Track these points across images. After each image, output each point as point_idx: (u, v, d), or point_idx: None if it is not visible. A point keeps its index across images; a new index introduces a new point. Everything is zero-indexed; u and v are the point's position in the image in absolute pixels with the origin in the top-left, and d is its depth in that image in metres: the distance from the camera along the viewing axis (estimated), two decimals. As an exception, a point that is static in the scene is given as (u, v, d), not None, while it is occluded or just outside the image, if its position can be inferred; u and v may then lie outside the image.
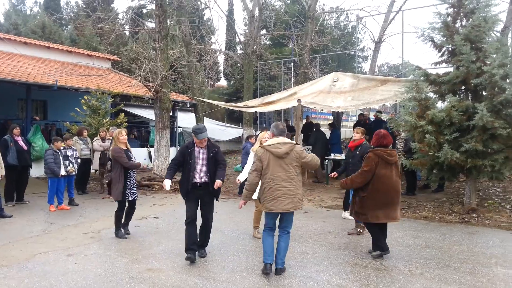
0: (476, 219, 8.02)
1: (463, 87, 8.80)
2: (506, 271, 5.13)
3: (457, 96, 8.81)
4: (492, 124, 7.69)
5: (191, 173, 5.37)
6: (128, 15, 17.54)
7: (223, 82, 41.27)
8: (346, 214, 7.71)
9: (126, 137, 6.83)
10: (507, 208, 8.50)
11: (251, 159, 6.37)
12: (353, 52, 22.07)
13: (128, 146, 6.87)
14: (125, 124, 12.89)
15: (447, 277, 4.89)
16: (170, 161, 5.62)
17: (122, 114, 13.20)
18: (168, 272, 4.99)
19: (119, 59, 19.95)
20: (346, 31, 33.25)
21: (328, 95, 12.25)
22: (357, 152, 7.07)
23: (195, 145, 5.43)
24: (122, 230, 6.70)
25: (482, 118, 7.66)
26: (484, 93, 8.46)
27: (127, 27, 18.90)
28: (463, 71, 8.38)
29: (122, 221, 6.73)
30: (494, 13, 8.90)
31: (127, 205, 6.70)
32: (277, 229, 5.02)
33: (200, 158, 5.44)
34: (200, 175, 5.43)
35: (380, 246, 5.58)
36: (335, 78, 12.96)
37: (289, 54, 25.72)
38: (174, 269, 5.14)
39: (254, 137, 10.42)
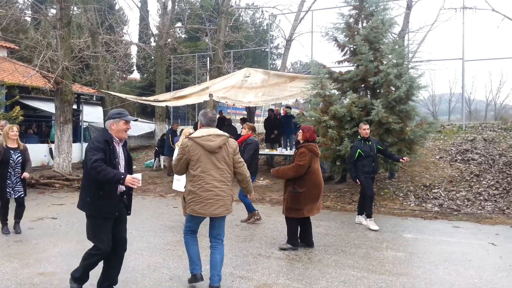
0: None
1: (362, 85, 9.40)
2: (394, 254, 5.58)
3: (357, 93, 9.40)
4: (387, 119, 8.32)
5: None
6: (29, 0, 16.09)
7: (136, 75, 39.79)
8: (361, 219, 7.28)
9: (17, 133, 6.45)
10: (400, 196, 9.27)
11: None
12: (267, 49, 22.50)
13: (20, 143, 6.56)
14: (21, 118, 11.81)
15: (342, 262, 5.18)
16: (91, 162, 3.61)
17: (18, 107, 12.08)
18: (61, 276, 4.64)
19: (17, 47, 18.23)
20: (261, 28, 33.89)
21: (240, 90, 12.37)
22: (243, 147, 7.10)
23: (114, 139, 3.88)
24: (8, 227, 6.48)
25: (378, 113, 8.25)
26: (380, 90, 9.10)
27: (28, 12, 17.34)
28: (362, 70, 8.95)
29: (14, 220, 6.52)
30: (391, 17, 9.64)
31: (14, 203, 6.53)
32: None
33: (121, 157, 3.95)
34: None
35: (294, 242, 5.72)
36: (246, 74, 13.12)
37: (204, 48, 25.53)
38: (69, 271, 4.78)
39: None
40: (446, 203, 8.75)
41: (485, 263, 5.22)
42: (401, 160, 7.33)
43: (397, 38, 11.78)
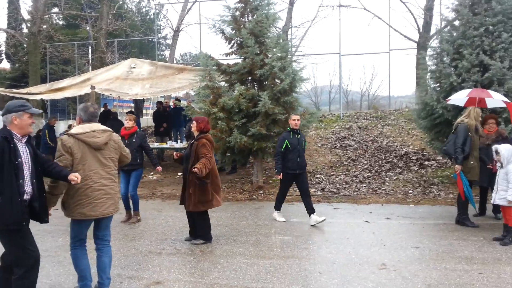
0: (262, 195, 8.98)
1: (249, 77, 9.62)
2: (282, 238, 5.88)
3: (245, 85, 9.61)
4: (273, 110, 8.66)
5: (20, 182, 3.32)
6: None
7: (5, 65, 35.53)
8: (276, 215, 6.95)
9: None
10: (287, 183, 9.78)
11: None
12: (155, 39, 21.79)
13: None
14: None
15: (233, 251, 5.30)
16: None
17: None
18: None
19: None
20: (148, 17, 32.64)
21: (125, 82, 11.82)
22: (133, 140, 6.74)
23: (15, 136, 3.35)
24: None
25: (265, 105, 8.55)
26: (266, 82, 9.43)
27: None
28: (249, 63, 9.16)
29: None
30: (275, 11, 10.00)
31: None
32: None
33: (26, 156, 3.41)
34: (30, 186, 3.42)
35: (208, 236, 5.70)
36: (132, 65, 12.57)
37: (85, 36, 23.76)
38: None
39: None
40: (327, 187, 9.46)
41: (360, 239, 5.78)
42: None
43: (281, 33, 12.29)
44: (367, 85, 36.39)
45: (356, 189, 9.26)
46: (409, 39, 15.54)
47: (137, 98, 14.47)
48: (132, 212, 6.96)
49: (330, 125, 13.87)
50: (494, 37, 8.18)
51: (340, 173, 10.21)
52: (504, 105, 6.91)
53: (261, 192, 9.16)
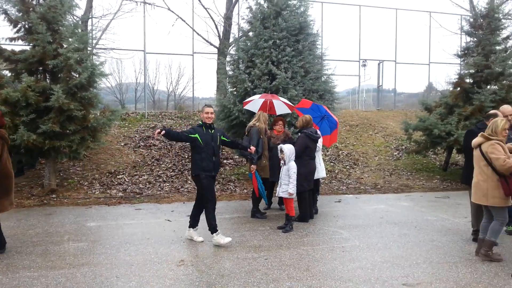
0: (55, 199, 8.12)
1: (40, 68, 8.60)
2: (76, 245, 5.42)
3: (35, 76, 8.54)
4: (68, 106, 7.93)
5: None
6: None
7: None
8: (193, 233, 5.78)
9: None
10: (85, 185, 9.10)
11: None
12: None
13: None
14: None
15: (16, 265, 4.63)
16: None
17: None
18: None
19: None
20: None
21: None
22: None
23: None
24: None
25: (58, 99, 7.76)
26: (61, 75, 8.57)
27: None
28: (39, 51, 8.17)
29: None
30: (71, -2, 9.16)
31: None
32: None
33: None
34: None
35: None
36: None
37: None
38: None
39: None
40: (130, 187, 9.19)
41: (161, 238, 5.79)
42: (249, 150, 6.15)
43: (79, 22, 11.36)
44: (173, 85, 36.79)
45: (159, 189, 9.27)
46: (211, 44, 16.37)
47: None
48: None
49: (134, 124, 13.51)
50: (280, 50, 9.31)
51: (144, 173, 10.06)
52: (289, 111, 7.97)
53: (53, 196, 8.27)
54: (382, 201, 8.62)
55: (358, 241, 5.69)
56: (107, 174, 9.77)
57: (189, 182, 9.72)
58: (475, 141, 5.01)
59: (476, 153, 5.02)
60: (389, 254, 5.13)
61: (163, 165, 10.60)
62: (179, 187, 9.42)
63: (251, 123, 7.10)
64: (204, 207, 5.65)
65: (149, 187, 9.33)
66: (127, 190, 9.02)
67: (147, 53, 15.16)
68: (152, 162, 10.74)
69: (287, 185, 6.25)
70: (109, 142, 11.19)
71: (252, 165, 6.81)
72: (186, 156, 11.23)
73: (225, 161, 11.32)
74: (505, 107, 5.87)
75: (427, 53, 19.12)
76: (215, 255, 5.11)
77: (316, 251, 5.27)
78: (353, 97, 21.14)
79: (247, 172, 9.42)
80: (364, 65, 18.57)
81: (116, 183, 9.38)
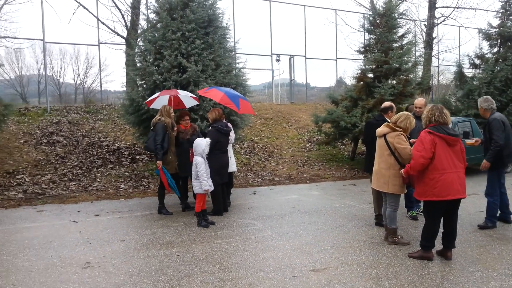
0: None
1: None
2: (-36, 255, 4.88)
3: None
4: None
5: None
6: None
7: None
8: None
9: None
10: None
11: None
12: None
13: None
14: None
15: None
16: None
17: None
18: None
19: None
20: None
21: None
22: None
23: None
24: None
25: None
26: None
27: None
28: None
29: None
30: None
31: None
32: None
33: None
34: None
35: None
36: None
37: None
38: None
39: None
40: (31, 188, 8.48)
41: (65, 241, 5.43)
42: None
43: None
44: (81, 77, 34.51)
45: (64, 188, 8.67)
46: (118, 34, 15.54)
47: None
48: None
49: (35, 119, 12.46)
50: (190, 42, 9.07)
51: (47, 172, 9.33)
52: (197, 102, 7.86)
53: None
54: (295, 191, 8.92)
55: (271, 231, 5.83)
56: (4, 174, 8.91)
57: (98, 180, 9.22)
58: (380, 130, 5.22)
59: (380, 142, 5.21)
60: (299, 242, 5.33)
61: (69, 163, 9.93)
62: (87, 185, 8.90)
63: (156, 118, 6.84)
64: None
65: (53, 187, 8.68)
66: (27, 191, 8.31)
67: (46, 42, 14.04)
68: (56, 160, 10.00)
69: (198, 181, 6.16)
70: (6, 140, 10.21)
71: (158, 161, 6.61)
72: (95, 153, 10.64)
73: (137, 156, 10.92)
74: (419, 100, 6.57)
75: (334, 49, 20.17)
76: (124, 254, 4.91)
77: (230, 243, 5.30)
78: (269, 91, 21.59)
79: (154, 171, 9.13)
80: (278, 60, 19.05)
81: (15, 183, 8.59)
